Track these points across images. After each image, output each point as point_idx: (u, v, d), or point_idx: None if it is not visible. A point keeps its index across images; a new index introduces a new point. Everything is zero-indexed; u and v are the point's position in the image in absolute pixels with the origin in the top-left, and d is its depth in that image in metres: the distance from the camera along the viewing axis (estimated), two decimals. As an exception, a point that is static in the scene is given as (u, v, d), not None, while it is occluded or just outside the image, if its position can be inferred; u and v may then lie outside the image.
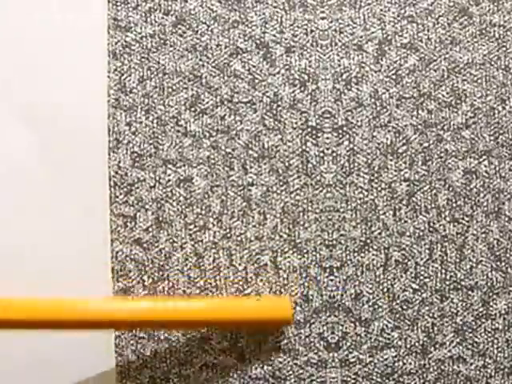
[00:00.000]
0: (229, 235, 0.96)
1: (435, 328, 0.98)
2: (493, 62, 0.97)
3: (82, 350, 0.96)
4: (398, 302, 0.98)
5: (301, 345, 0.98)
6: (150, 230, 0.96)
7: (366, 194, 0.97)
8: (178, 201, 0.96)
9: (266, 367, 0.98)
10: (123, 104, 0.97)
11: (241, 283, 0.97)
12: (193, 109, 0.97)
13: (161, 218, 0.96)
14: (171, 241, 0.97)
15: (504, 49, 0.98)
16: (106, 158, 0.97)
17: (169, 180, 0.96)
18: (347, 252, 0.97)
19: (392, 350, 0.98)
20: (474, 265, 0.98)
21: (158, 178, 0.96)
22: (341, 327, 0.98)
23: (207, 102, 0.97)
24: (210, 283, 0.97)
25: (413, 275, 0.98)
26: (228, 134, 0.96)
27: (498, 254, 0.99)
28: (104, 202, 0.96)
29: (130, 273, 0.97)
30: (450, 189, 0.98)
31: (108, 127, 0.96)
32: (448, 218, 0.98)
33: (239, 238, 0.96)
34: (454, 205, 0.98)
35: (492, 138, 0.98)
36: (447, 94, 0.97)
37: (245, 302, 0.96)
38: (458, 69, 0.97)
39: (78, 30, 0.96)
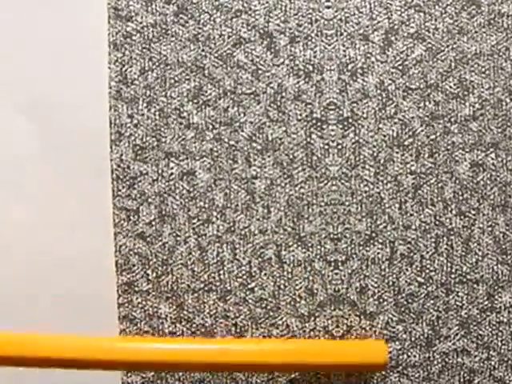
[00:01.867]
0: (232, 229, 0.95)
1: (440, 321, 0.98)
2: (501, 53, 0.95)
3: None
4: (403, 295, 0.97)
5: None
6: (153, 223, 0.96)
7: (371, 187, 0.96)
8: (181, 194, 0.95)
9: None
10: (125, 96, 0.95)
11: (245, 277, 0.96)
12: (195, 100, 0.95)
13: (164, 212, 0.96)
14: (174, 235, 0.96)
15: (513, 39, 0.96)
16: (108, 151, 0.95)
17: (171, 173, 0.95)
18: (352, 245, 0.96)
19: (397, 342, 0.98)
20: (480, 258, 0.97)
21: (160, 172, 0.95)
22: (346, 321, 0.97)
23: (210, 94, 0.95)
24: (214, 277, 0.96)
25: (418, 269, 0.97)
26: (231, 126, 0.95)
27: (504, 247, 0.98)
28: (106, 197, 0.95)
29: (133, 267, 0.96)
30: (457, 182, 0.97)
31: (110, 120, 0.95)
32: (454, 211, 0.97)
33: (243, 232, 0.96)
34: (461, 198, 0.97)
35: (499, 130, 0.96)
36: (454, 85, 0.95)
37: (337, 345, 0.94)
38: (466, 59, 0.95)
39: (78, 20, 0.94)
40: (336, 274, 0.96)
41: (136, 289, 0.96)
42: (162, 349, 0.89)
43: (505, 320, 0.98)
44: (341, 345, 0.94)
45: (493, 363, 0.99)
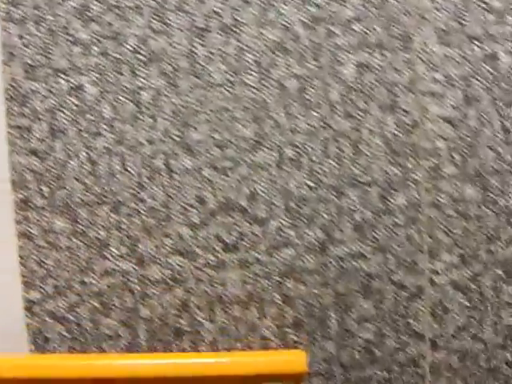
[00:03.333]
0: (121, 140, 0.97)
1: (333, 225, 0.98)
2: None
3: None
4: (294, 199, 0.97)
5: (198, 247, 0.98)
6: (45, 139, 0.97)
7: (256, 92, 0.96)
8: (71, 109, 0.97)
9: (165, 270, 0.98)
10: (14, 17, 0.97)
11: (135, 188, 0.97)
12: (81, 17, 0.97)
13: (55, 128, 0.97)
14: (66, 149, 0.97)
15: None
16: (0, 71, 0.97)
17: (61, 89, 0.97)
18: (239, 152, 0.97)
19: (290, 248, 0.98)
20: (371, 160, 0.97)
21: (50, 88, 0.97)
22: (237, 228, 0.98)
23: (95, 10, 0.97)
24: (106, 189, 0.98)
25: (308, 172, 0.97)
26: (116, 40, 0.96)
27: (394, 148, 0.97)
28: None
29: (28, 183, 0.98)
30: (343, 83, 0.97)
31: (0, 41, 0.97)
32: (341, 114, 0.97)
33: (131, 143, 0.97)
34: (347, 100, 0.97)
35: (384, 30, 0.96)
36: (332, -14, 0.96)
37: (256, 357, 0.95)
38: (342, -40, 0.96)
39: None
40: (225, 180, 0.97)
41: (31, 205, 0.97)
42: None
43: (400, 222, 0.98)
44: (259, 356, 0.94)
45: (390, 267, 0.98)
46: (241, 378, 0.91)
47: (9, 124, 0.97)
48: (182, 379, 0.91)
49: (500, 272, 0.99)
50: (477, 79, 0.96)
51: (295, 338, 0.99)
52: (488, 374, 1.01)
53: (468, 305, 1.00)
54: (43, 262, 0.98)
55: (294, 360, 0.92)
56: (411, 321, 1.00)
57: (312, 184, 0.97)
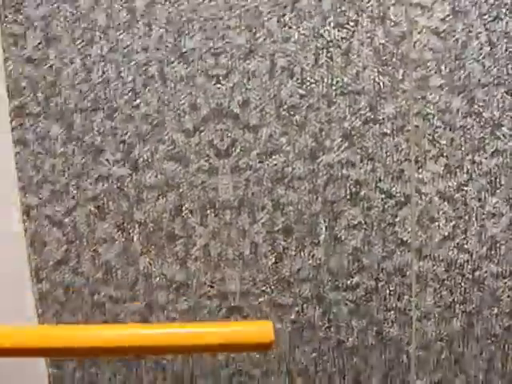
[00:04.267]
0: (116, 48, 0.98)
1: (323, 133, 1.00)
2: None
3: None
4: (285, 107, 0.99)
5: (191, 153, 1.00)
6: (40, 47, 0.98)
7: (249, 1, 0.98)
8: (65, 17, 0.98)
9: (159, 176, 1.00)
10: None
11: (130, 95, 0.99)
12: None
13: (49, 35, 0.98)
14: (60, 57, 0.98)
15: None
16: (-6, -23, 0.98)
17: (55, -4, 0.98)
18: (233, 60, 0.98)
19: (281, 155, 1.00)
20: (361, 69, 0.99)
21: (44, -5, 0.98)
22: (230, 134, 1.00)
23: None
24: (100, 96, 0.99)
25: (299, 81, 0.99)
26: None
27: (384, 58, 0.99)
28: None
29: (23, 90, 0.99)
30: (334, -7, 0.98)
31: None
32: (333, 24, 0.98)
33: (126, 51, 0.98)
34: (339, 10, 0.98)
35: None
36: None
37: (224, 328, 0.95)
38: None
39: None
40: (218, 88, 0.98)
41: (27, 111, 0.99)
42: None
43: (388, 131, 1.00)
44: (226, 326, 0.94)
45: (378, 175, 1.01)
46: (209, 347, 0.93)
47: (3, 32, 0.98)
48: (152, 348, 0.92)
49: (484, 182, 1.02)
50: (465, -9, 0.98)
51: (284, 244, 1.02)
52: (473, 285, 1.04)
53: (453, 215, 1.03)
54: (40, 168, 0.99)
55: (261, 330, 0.93)
56: (398, 229, 1.02)
57: (303, 92, 0.99)
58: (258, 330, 0.90)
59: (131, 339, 0.86)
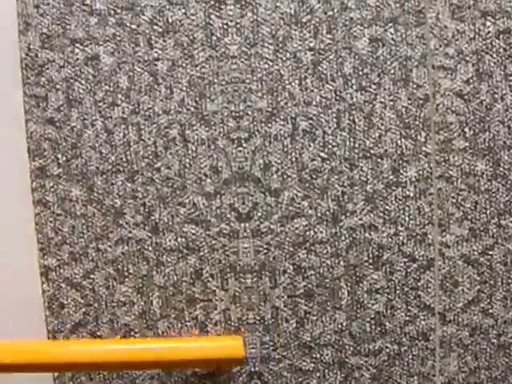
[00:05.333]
0: (137, 110, 0.98)
1: (345, 196, 0.99)
2: None
3: None
4: (307, 171, 0.98)
5: (212, 216, 0.99)
6: (62, 109, 0.99)
7: (271, 64, 0.98)
8: (87, 79, 0.98)
9: (179, 239, 1.00)
10: (32, -13, 0.99)
11: (151, 157, 0.99)
12: (98, -12, 0.98)
13: (71, 97, 0.98)
14: (82, 118, 0.99)
15: None
16: (17, 40, 0.99)
17: (77, 59, 0.98)
18: (254, 123, 0.98)
19: (303, 219, 0.99)
20: (383, 133, 0.98)
21: (66, 58, 0.98)
22: (251, 198, 0.99)
23: (112, -19, 0.98)
24: (121, 158, 0.99)
25: (321, 144, 0.98)
26: (133, 11, 0.98)
27: (406, 121, 0.99)
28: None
29: (44, 152, 0.99)
30: (356, 57, 0.98)
31: (17, 11, 0.98)
32: (355, 87, 0.98)
33: (147, 113, 0.98)
34: (361, 73, 0.98)
35: (398, 5, 0.97)
36: (348, -41, 0.97)
37: (195, 343, 0.96)
38: None
39: None
40: (239, 151, 0.98)
41: (48, 173, 0.99)
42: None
43: (411, 194, 0.99)
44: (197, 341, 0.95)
45: (401, 238, 0.99)
46: (179, 362, 0.92)
47: (25, 93, 0.99)
48: (128, 364, 0.92)
49: (510, 246, 1.00)
50: (489, 54, 0.97)
51: (306, 309, 1.00)
52: (499, 350, 1.02)
53: (478, 279, 1.01)
54: (59, 229, 0.99)
55: (231, 345, 0.93)
56: (421, 293, 1.01)
57: (325, 155, 0.98)
58: (230, 344, 0.89)
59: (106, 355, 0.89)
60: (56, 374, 1.00)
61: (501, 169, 0.98)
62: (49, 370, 0.94)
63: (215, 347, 0.93)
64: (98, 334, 1.00)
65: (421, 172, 0.98)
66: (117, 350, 0.92)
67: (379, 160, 0.98)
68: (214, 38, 0.97)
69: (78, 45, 0.98)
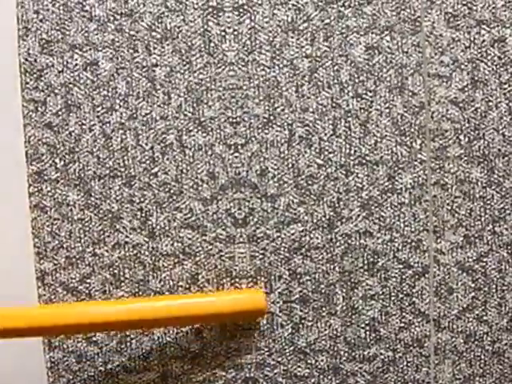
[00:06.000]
0: (135, 116, 0.99)
1: (341, 203, 1.00)
2: None
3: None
4: (303, 177, 0.99)
5: (209, 221, 1.00)
6: (60, 113, 0.99)
7: (268, 71, 0.98)
8: (86, 84, 0.99)
9: (176, 244, 1.00)
10: (32, -7, 0.99)
11: (148, 162, 0.99)
12: (98, -6, 0.99)
13: (69, 102, 0.99)
14: (80, 123, 0.99)
15: None
16: (16, 45, 0.99)
17: (76, 64, 0.99)
18: (251, 129, 0.99)
19: (299, 224, 1.00)
20: (379, 140, 0.99)
21: (65, 63, 0.99)
22: (247, 203, 1.00)
23: (111, -12, 0.99)
24: (119, 163, 0.99)
25: (317, 151, 0.99)
26: (131, 17, 0.99)
27: (402, 128, 0.99)
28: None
29: (42, 156, 1.00)
30: (353, 64, 0.99)
31: (17, 16, 0.99)
32: (351, 94, 0.99)
33: (145, 119, 0.99)
34: (357, 80, 0.99)
35: (394, 13, 0.98)
36: (345, -32, 0.98)
37: (217, 297, 0.97)
38: None
39: None
40: (236, 157, 0.98)
41: (45, 178, 0.99)
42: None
43: (406, 201, 0.99)
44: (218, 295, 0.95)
45: (396, 245, 1.00)
46: (201, 317, 0.92)
47: (24, 97, 0.99)
48: (149, 321, 0.92)
49: (505, 254, 1.01)
50: (484, 62, 0.98)
51: (301, 314, 1.01)
52: (493, 357, 1.02)
53: (472, 286, 1.01)
54: (56, 234, 0.99)
55: (253, 298, 0.93)
56: (416, 300, 1.01)
57: (321, 162, 0.99)
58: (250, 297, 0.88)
59: (120, 314, 0.89)
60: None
61: (495, 176, 0.99)
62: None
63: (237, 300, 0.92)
64: (93, 339, 1.00)
65: (416, 179, 0.99)
66: (131, 308, 0.91)
67: (375, 167, 0.98)
68: (212, 44, 0.98)
69: (77, 50, 0.98)
